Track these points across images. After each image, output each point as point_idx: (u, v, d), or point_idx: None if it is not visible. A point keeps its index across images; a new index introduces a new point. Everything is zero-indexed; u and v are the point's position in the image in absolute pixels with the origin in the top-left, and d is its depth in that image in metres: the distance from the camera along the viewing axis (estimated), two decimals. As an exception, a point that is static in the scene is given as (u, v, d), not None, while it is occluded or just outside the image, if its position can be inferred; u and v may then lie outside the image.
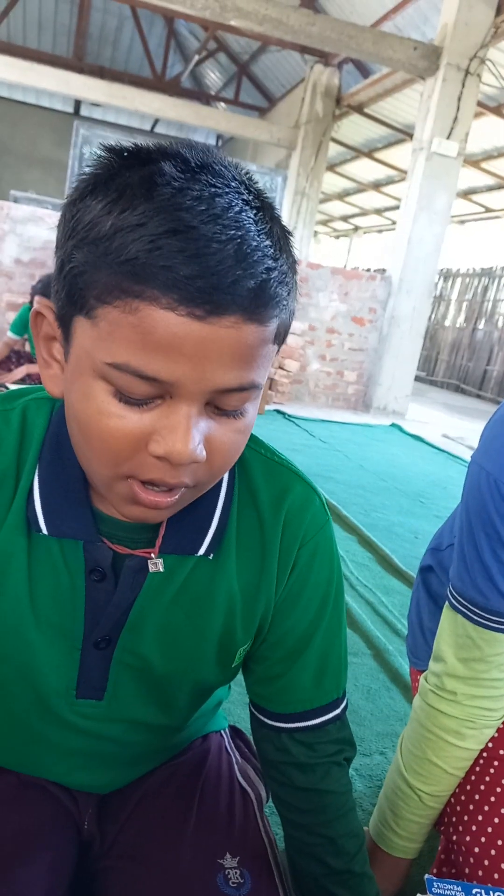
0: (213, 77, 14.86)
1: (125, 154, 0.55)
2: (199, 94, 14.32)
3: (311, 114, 9.90)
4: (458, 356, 12.87)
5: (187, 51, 14.03)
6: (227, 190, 0.53)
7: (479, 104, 7.60)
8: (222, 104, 13.97)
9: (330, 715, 0.82)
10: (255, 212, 0.55)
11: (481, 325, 12.36)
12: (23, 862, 0.74)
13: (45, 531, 0.68)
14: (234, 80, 13.23)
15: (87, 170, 0.56)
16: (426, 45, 6.82)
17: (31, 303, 4.72)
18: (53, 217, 6.62)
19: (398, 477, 4.51)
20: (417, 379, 8.39)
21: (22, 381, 4.67)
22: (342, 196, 15.59)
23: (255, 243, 0.53)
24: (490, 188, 11.55)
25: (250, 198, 0.55)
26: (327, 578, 0.79)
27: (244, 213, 0.53)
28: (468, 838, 0.95)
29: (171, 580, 0.72)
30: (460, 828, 0.97)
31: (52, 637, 0.71)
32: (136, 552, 0.70)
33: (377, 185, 13.68)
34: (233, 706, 1.62)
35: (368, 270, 14.63)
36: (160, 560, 0.70)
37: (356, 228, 18.48)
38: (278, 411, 6.51)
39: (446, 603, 0.99)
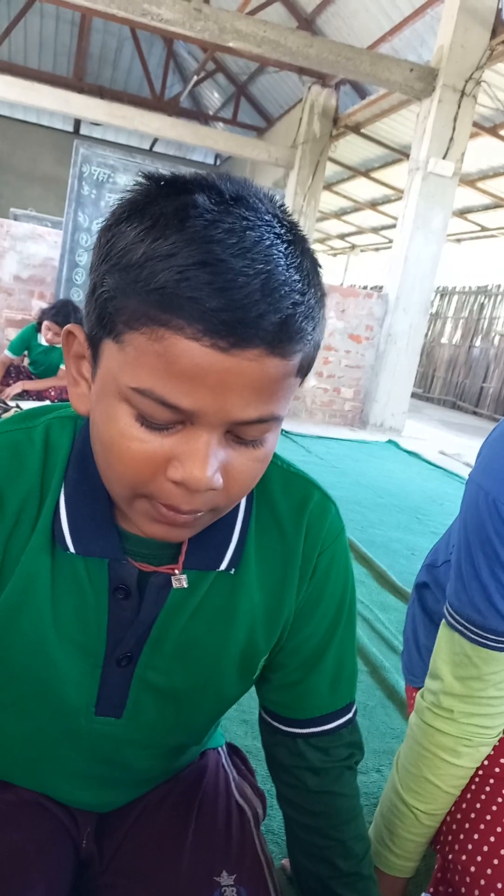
0: (211, 97, 15.00)
1: (162, 182, 0.55)
2: (198, 114, 14.46)
3: (308, 134, 9.99)
4: (455, 373, 12.91)
5: (186, 71, 14.17)
6: (259, 223, 0.54)
7: (475, 125, 7.69)
8: (221, 124, 14.09)
9: (344, 719, 0.83)
10: (286, 245, 0.55)
11: (477, 343, 12.41)
12: (21, 880, 0.74)
13: (72, 550, 0.69)
14: (232, 101, 13.36)
15: (125, 195, 0.57)
16: (422, 66, 6.90)
17: (38, 324, 4.72)
18: (53, 234, 6.67)
19: (395, 493, 4.51)
20: (414, 396, 8.40)
21: (20, 395, 4.68)
22: (339, 215, 15.69)
23: (282, 278, 0.53)
24: (486, 207, 11.65)
25: (282, 231, 0.55)
26: (343, 585, 0.80)
27: (274, 248, 0.53)
28: (464, 857, 0.95)
29: (193, 595, 0.73)
30: (456, 847, 0.97)
31: (74, 654, 0.72)
32: (160, 569, 0.71)
33: (374, 204, 13.79)
34: (229, 723, 1.62)
35: (365, 288, 14.72)
36: (184, 576, 0.71)
37: (353, 247, 18.60)
38: (275, 428, 6.51)
39: (443, 621, 0.99)
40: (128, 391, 0.55)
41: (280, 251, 0.54)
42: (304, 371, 0.60)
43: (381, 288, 8.72)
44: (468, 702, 0.96)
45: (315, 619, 0.79)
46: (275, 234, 0.54)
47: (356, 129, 10.06)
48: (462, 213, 12.00)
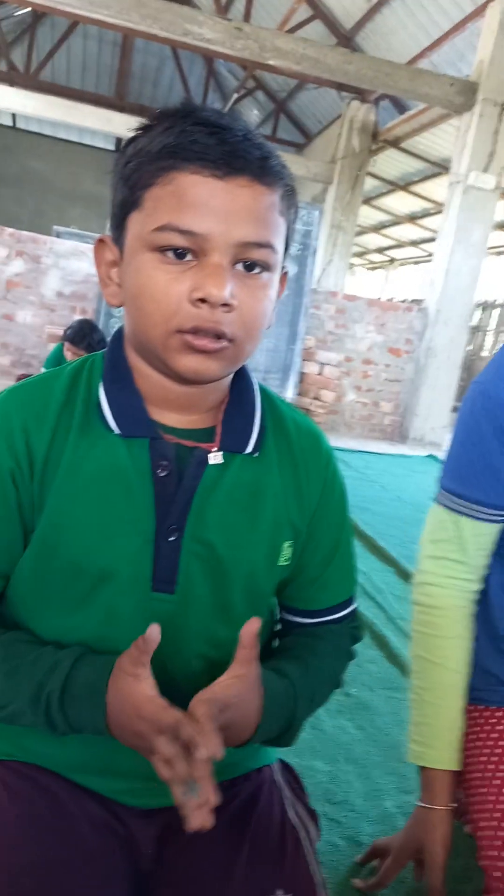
0: (250, 114, 15.14)
1: (157, 112, 0.74)
2: (237, 131, 14.58)
3: (347, 149, 10.03)
4: (496, 387, 12.74)
5: (226, 89, 14.34)
6: (235, 118, 0.73)
7: (516, 138, 7.63)
8: (260, 140, 14.21)
9: (350, 608, 0.96)
10: (256, 133, 0.73)
11: (519, 356, 12.25)
12: (83, 887, 0.75)
13: (117, 431, 0.79)
14: (271, 117, 13.48)
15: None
16: (462, 81, 6.90)
17: (61, 346, 4.81)
18: (95, 251, 6.77)
19: (435, 509, 4.46)
20: (455, 410, 8.31)
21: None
22: (378, 229, 15.68)
23: (259, 136, 0.72)
24: (527, 220, 11.55)
25: (255, 131, 0.74)
26: (342, 488, 0.94)
27: (249, 127, 0.73)
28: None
29: (226, 473, 0.82)
30: (499, 864, 0.96)
31: (128, 531, 0.79)
32: (201, 445, 0.81)
33: (413, 218, 13.75)
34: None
35: (405, 302, 14.65)
36: (220, 453, 0.81)
37: (392, 260, 18.56)
38: (314, 442, 6.50)
39: (432, 505, 1.15)
40: (150, 236, 0.70)
41: (253, 132, 0.73)
42: (286, 219, 0.76)
43: (420, 301, 8.69)
44: (436, 558, 1.11)
45: (328, 520, 0.90)
46: (247, 128, 0.73)
47: (395, 143, 10.07)
48: (503, 226, 11.90)
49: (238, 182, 0.69)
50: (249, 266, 0.72)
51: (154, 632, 0.71)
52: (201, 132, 0.68)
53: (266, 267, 0.74)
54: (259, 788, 0.91)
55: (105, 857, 0.80)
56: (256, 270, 0.73)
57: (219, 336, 0.72)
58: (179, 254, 0.70)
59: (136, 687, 0.72)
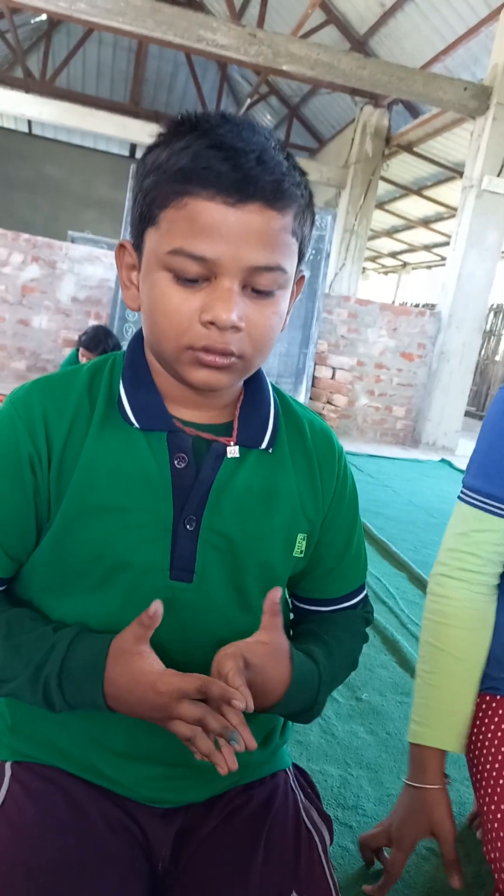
0: (264, 119, 15.17)
1: (177, 120, 0.75)
2: (251, 136, 14.59)
3: (360, 154, 10.03)
4: (510, 392, 12.67)
5: (240, 94, 14.37)
6: (254, 130, 0.73)
7: (530, 142, 7.61)
8: (273, 145, 14.22)
9: (363, 594, 1.01)
10: (274, 143, 0.74)
11: (533, 361, 12.19)
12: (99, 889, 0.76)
13: (136, 425, 0.82)
14: (284, 122, 13.49)
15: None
16: (477, 85, 6.89)
17: (77, 351, 4.83)
18: (109, 256, 6.81)
19: (449, 513, 4.39)
20: (467, 414, 8.27)
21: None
22: (391, 233, 15.66)
23: (273, 155, 0.72)
24: (541, 224, 11.49)
25: (273, 141, 0.74)
26: (353, 481, 0.98)
27: (266, 140, 0.73)
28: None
29: (242, 467, 0.85)
30: None
31: (147, 520, 0.82)
32: (220, 438, 0.84)
33: (426, 222, 13.73)
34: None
35: (417, 306, 14.62)
36: (236, 447, 0.85)
37: (405, 265, 18.52)
38: (327, 446, 6.49)
39: (456, 504, 1.19)
40: (165, 257, 0.72)
41: (270, 145, 0.73)
42: (298, 237, 0.76)
43: (433, 306, 8.66)
44: (452, 550, 1.15)
45: (342, 514, 0.94)
46: (265, 137, 0.74)
47: (408, 147, 10.06)
48: (516, 229, 11.86)
49: (249, 208, 0.70)
50: (258, 289, 0.75)
51: (157, 608, 0.73)
52: (215, 157, 0.69)
53: (276, 287, 0.76)
54: (274, 792, 0.91)
55: (123, 859, 0.81)
56: (266, 291, 0.75)
57: (228, 353, 0.75)
58: (191, 280, 0.72)
59: (143, 664, 0.74)
